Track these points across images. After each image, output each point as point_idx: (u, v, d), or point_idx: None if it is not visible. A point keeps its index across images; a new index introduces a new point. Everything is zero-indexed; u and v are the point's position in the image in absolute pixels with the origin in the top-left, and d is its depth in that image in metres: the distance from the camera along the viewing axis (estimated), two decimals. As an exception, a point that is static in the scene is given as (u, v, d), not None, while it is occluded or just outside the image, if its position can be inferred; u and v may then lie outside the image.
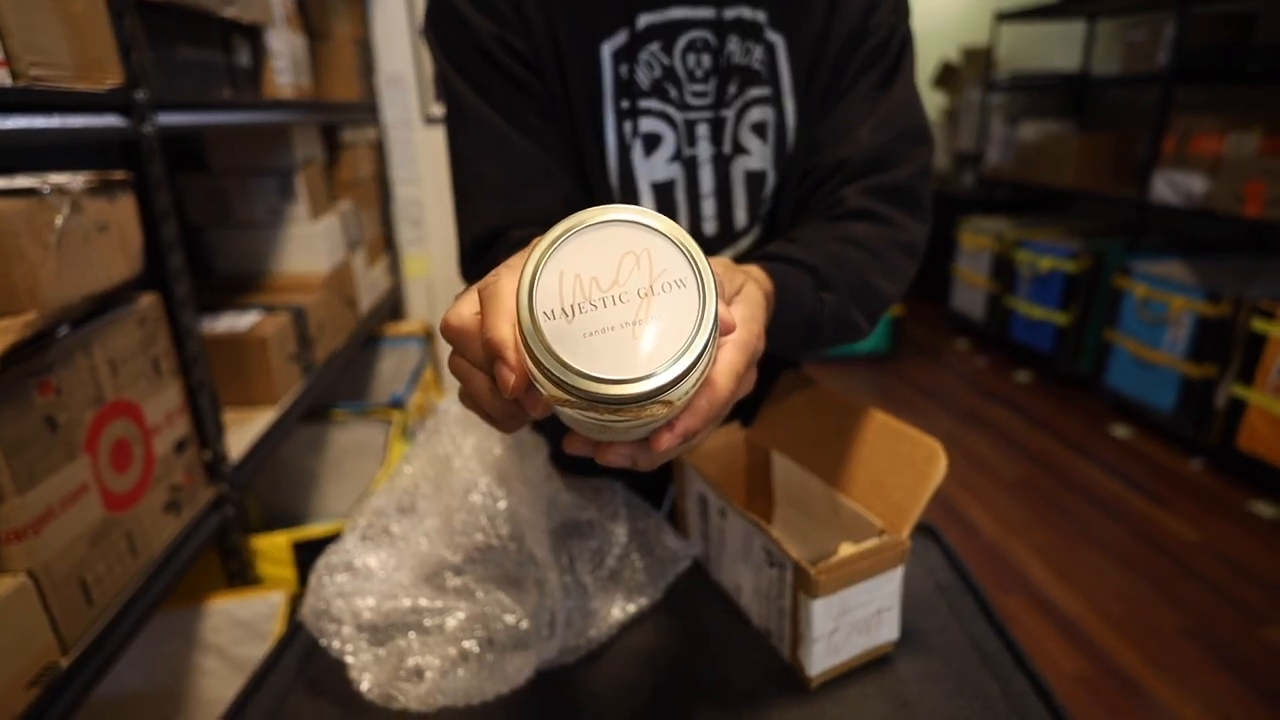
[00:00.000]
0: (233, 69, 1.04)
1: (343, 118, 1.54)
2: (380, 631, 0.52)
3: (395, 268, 1.97)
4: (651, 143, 0.59)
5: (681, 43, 0.57)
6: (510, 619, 0.52)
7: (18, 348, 0.59)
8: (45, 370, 0.64)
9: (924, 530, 0.72)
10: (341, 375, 1.50)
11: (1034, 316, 3.16)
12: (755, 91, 0.59)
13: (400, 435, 1.44)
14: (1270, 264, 2.63)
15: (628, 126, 0.58)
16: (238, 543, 0.98)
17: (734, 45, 0.58)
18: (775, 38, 0.59)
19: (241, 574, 0.99)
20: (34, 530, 0.62)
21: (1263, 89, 2.63)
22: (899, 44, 0.59)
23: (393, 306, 1.97)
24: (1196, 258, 2.71)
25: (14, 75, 0.62)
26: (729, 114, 0.59)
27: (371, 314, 1.67)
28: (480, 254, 0.57)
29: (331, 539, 1.10)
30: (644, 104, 0.58)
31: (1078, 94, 3.52)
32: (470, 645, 0.50)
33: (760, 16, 0.58)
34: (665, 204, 0.61)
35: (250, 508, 1.35)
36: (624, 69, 0.57)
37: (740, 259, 0.54)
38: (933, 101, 4.24)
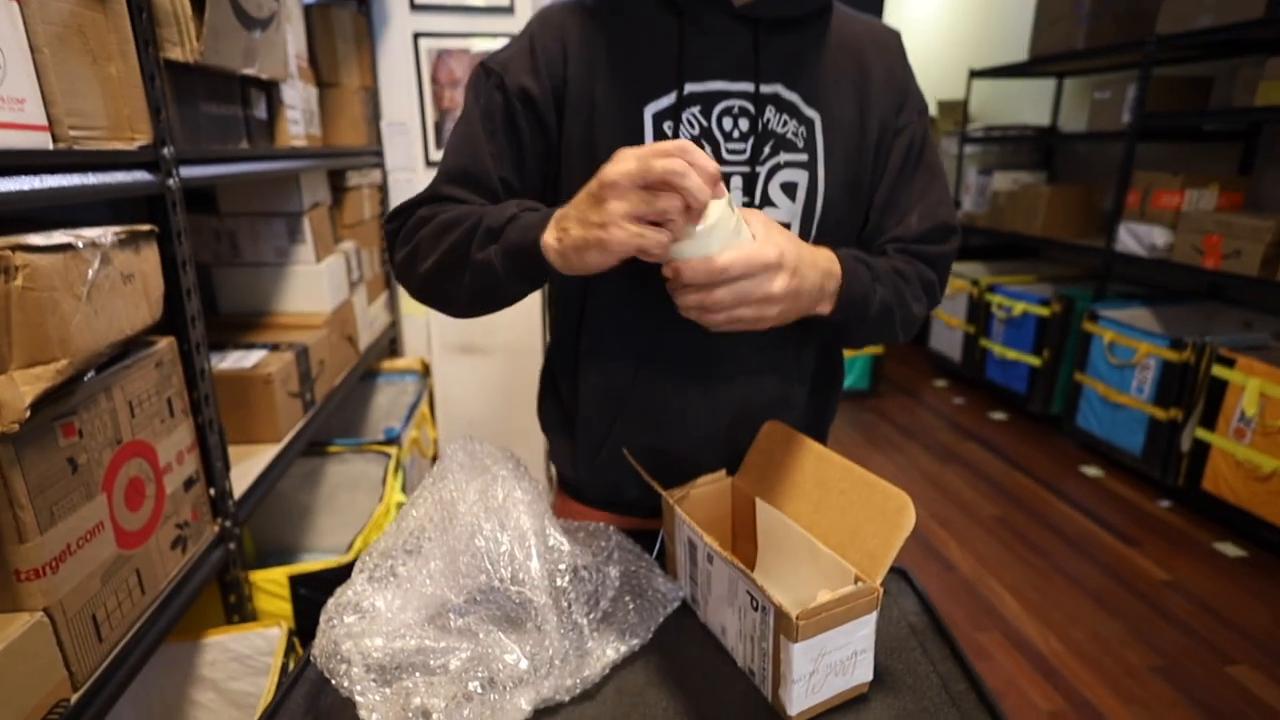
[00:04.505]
0: (249, 121, 1.09)
1: (349, 163, 1.60)
2: (388, 672, 0.56)
3: (393, 305, 2.01)
4: None
5: (718, 108, 0.68)
6: (510, 659, 0.56)
7: (48, 394, 0.63)
8: (70, 414, 0.68)
9: (897, 573, 0.76)
10: (337, 409, 1.53)
11: (1008, 358, 3.26)
12: (789, 156, 0.69)
13: (396, 470, 1.46)
14: (1229, 313, 2.75)
15: None
16: (237, 577, 1.00)
17: (771, 114, 0.68)
18: (813, 114, 0.69)
19: (240, 608, 1.01)
20: (52, 568, 0.65)
21: (1218, 149, 2.79)
22: (924, 138, 0.74)
23: (390, 342, 2.01)
24: (1161, 305, 2.83)
25: (55, 139, 0.67)
26: (761, 171, 0.68)
27: (370, 350, 1.71)
28: (409, 209, 0.70)
29: (329, 573, 1.13)
30: None
31: (1047, 147, 3.69)
32: (474, 686, 0.53)
33: (795, 97, 0.68)
34: None
35: (245, 541, 1.37)
36: (667, 125, 0.67)
37: None
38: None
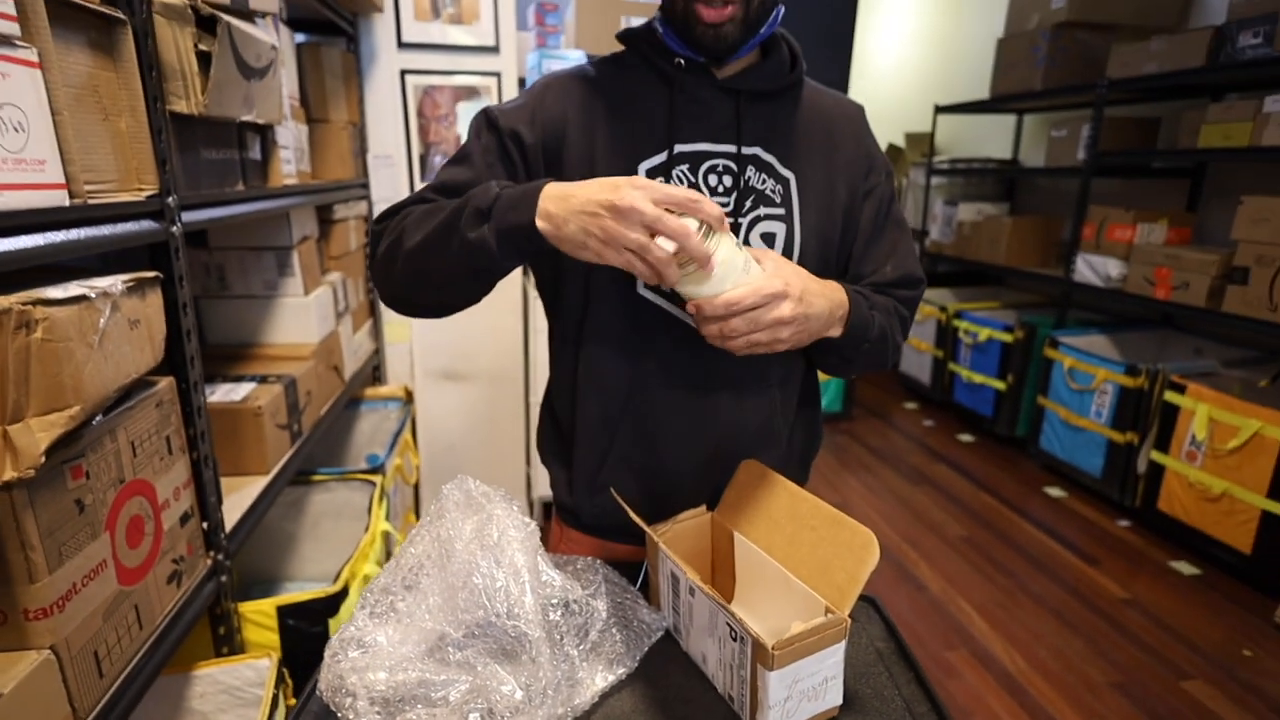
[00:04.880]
0: (245, 163, 1.12)
1: (336, 196, 1.64)
2: (391, 704, 0.59)
3: (377, 332, 2.04)
4: None
5: (705, 166, 0.75)
6: (507, 689, 0.60)
7: (60, 439, 0.66)
8: (78, 456, 0.70)
9: (865, 600, 0.82)
10: (321, 437, 1.55)
11: (975, 382, 3.38)
12: (768, 210, 0.77)
13: (381, 498, 1.48)
14: (1182, 340, 2.90)
15: None
16: (227, 609, 1.02)
17: (751, 173, 0.76)
18: (788, 174, 0.77)
19: (229, 640, 1.03)
20: (59, 607, 0.67)
21: (1167, 185, 2.95)
22: (890, 197, 0.85)
23: (373, 370, 2.03)
24: (1118, 332, 2.96)
25: (71, 195, 0.70)
26: (743, 222, 0.76)
27: (354, 378, 1.73)
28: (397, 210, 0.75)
29: (317, 603, 1.15)
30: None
31: (1009, 180, 3.85)
32: (474, 717, 0.57)
33: (772, 158, 0.77)
34: None
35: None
36: (658, 180, 0.72)
37: None
38: (882, 177, 4.53)
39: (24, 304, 0.61)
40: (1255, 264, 2.21)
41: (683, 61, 0.75)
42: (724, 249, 0.63)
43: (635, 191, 0.59)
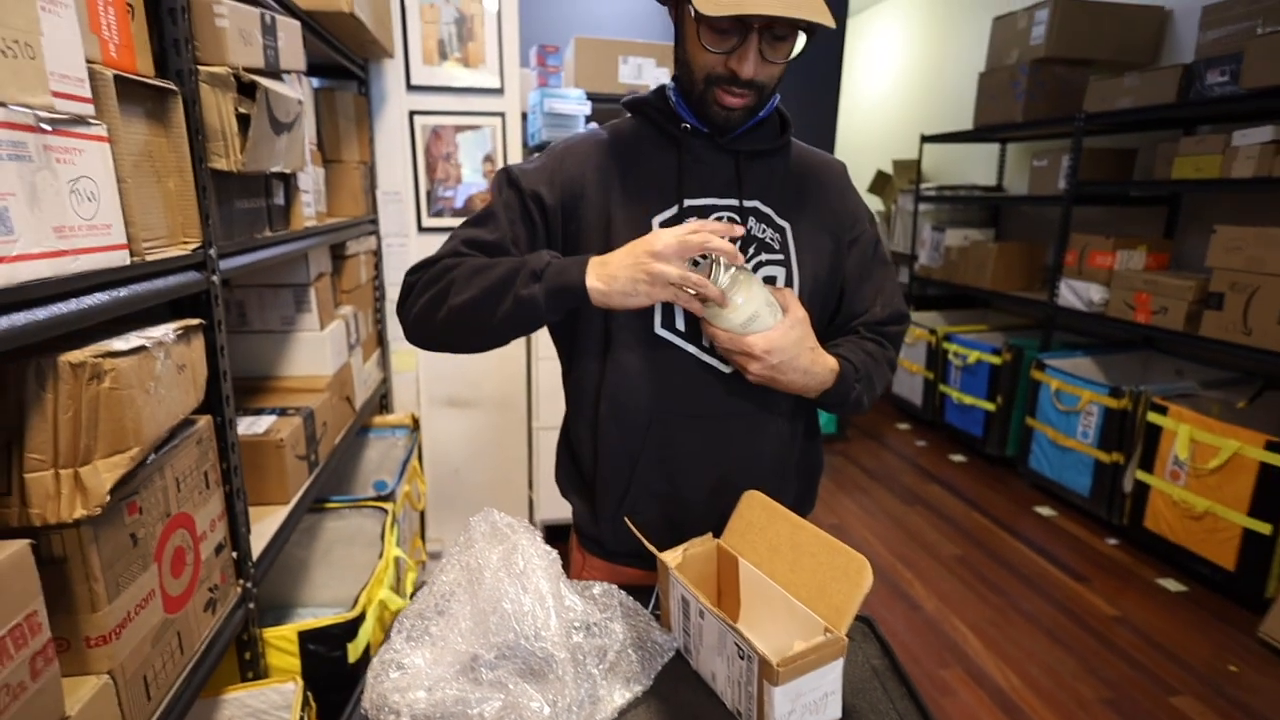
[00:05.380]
0: (271, 209, 1.19)
1: (349, 234, 1.71)
2: None
3: (384, 362, 2.10)
4: None
5: (711, 218, 0.84)
6: (535, 706, 0.65)
7: (123, 479, 0.71)
8: (134, 494, 0.76)
9: (862, 620, 0.88)
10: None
11: (965, 403, 3.45)
12: (769, 256, 0.86)
13: (393, 525, 1.53)
14: (1163, 362, 2.99)
15: None
16: (254, 635, 1.07)
17: (753, 223, 0.85)
18: (784, 224, 0.87)
19: (254, 665, 1.08)
20: (116, 634, 0.73)
21: (1145, 213, 3.06)
22: (875, 240, 0.94)
23: (381, 398, 2.09)
24: (1102, 354, 3.05)
25: (131, 254, 0.77)
26: (748, 267, 0.84)
27: (364, 407, 1.79)
28: (432, 263, 0.83)
29: (336, 628, 1.20)
30: None
31: (994, 207, 3.97)
32: (508, 729, 0.63)
33: (770, 210, 0.86)
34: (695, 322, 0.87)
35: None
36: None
37: None
38: (871, 204, 4.66)
39: (96, 357, 0.67)
40: (1229, 290, 2.31)
41: (688, 126, 0.84)
42: (738, 290, 0.76)
43: (660, 246, 0.73)
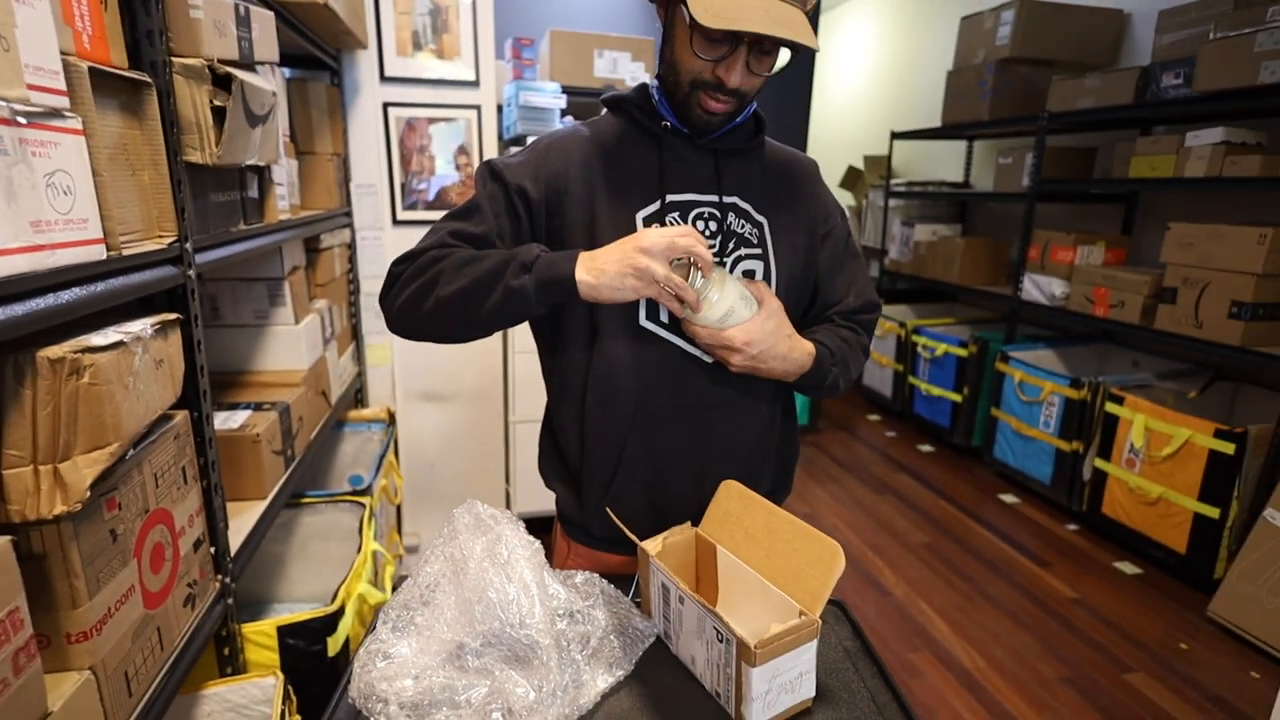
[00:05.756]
0: (245, 202, 1.18)
1: (323, 227, 1.69)
2: (420, 708, 0.66)
3: (359, 356, 2.08)
4: None
5: (693, 213, 0.87)
6: (521, 691, 0.67)
7: (102, 474, 0.71)
8: (113, 489, 0.76)
9: (835, 604, 0.91)
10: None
11: (933, 394, 3.54)
12: (748, 250, 0.89)
13: (370, 519, 1.53)
14: (1121, 354, 3.10)
15: None
16: (232, 630, 1.06)
17: (732, 218, 0.88)
18: (761, 219, 0.89)
19: (233, 660, 1.07)
20: (96, 630, 0.72)
21: (1104, 210, 3.17)
22: (846, 234, 0.98)
23: (356, 393, 2.07)
24: (1063, 346, 3.15)
25: (108, 248, 0.76)
26: (728, 261, 0.88)
27: (339, 401, 1.78)
28: (418, 255, 0.83)
29: (315, 623, 1.20)
30: None
31: (961, 203, 4.06)
32: (497, 716, 0.64)
33: (748, 206, 0.89)
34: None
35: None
36: (653, 226, 0.84)
37: None
38: (842, 199, 4.74)
39: (74, 352, 0.67)
40: (1182, 285, 2.40)
41: (669, 124, 0.85)
42: (714, 288, 0.80)
43: (649, 244, 0.76)
